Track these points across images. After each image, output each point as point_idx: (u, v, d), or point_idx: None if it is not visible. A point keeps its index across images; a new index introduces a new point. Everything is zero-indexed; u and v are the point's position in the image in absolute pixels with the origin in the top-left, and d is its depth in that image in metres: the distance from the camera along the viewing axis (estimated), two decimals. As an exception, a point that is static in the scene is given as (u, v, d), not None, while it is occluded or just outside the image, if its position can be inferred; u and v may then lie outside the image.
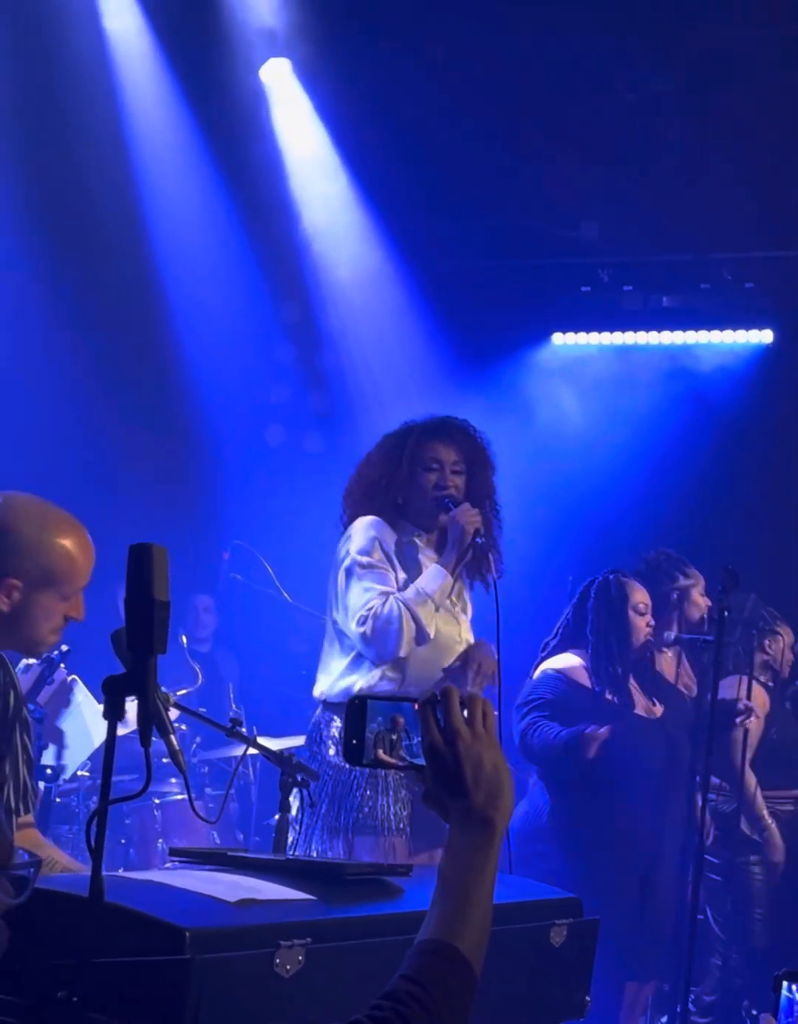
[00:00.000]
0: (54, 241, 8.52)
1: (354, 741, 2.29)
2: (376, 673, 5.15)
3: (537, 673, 6.22)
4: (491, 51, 8.18)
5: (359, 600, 5.08)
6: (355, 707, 2.31)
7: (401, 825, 5.07)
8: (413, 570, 5.22)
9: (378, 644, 5.05)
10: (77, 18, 8.20)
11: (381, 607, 5.03)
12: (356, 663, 5.19)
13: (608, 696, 6.13)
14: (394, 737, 2.29)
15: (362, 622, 5.04)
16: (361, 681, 5.15)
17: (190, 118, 8.82)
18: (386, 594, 5.07)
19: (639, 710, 6.24)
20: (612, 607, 6.24)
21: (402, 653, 5.09)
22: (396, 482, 5.22)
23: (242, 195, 9.17)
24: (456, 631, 5.31)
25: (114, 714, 2.32)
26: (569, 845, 6.00)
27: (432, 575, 5.14)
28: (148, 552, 2.33)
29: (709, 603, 6.71)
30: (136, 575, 2.32)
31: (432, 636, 5.13)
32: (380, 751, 2.29)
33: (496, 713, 2.32)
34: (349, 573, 5.13)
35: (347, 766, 4.47)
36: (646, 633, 6.28)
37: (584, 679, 6.16)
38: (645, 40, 8.08)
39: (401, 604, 5.04)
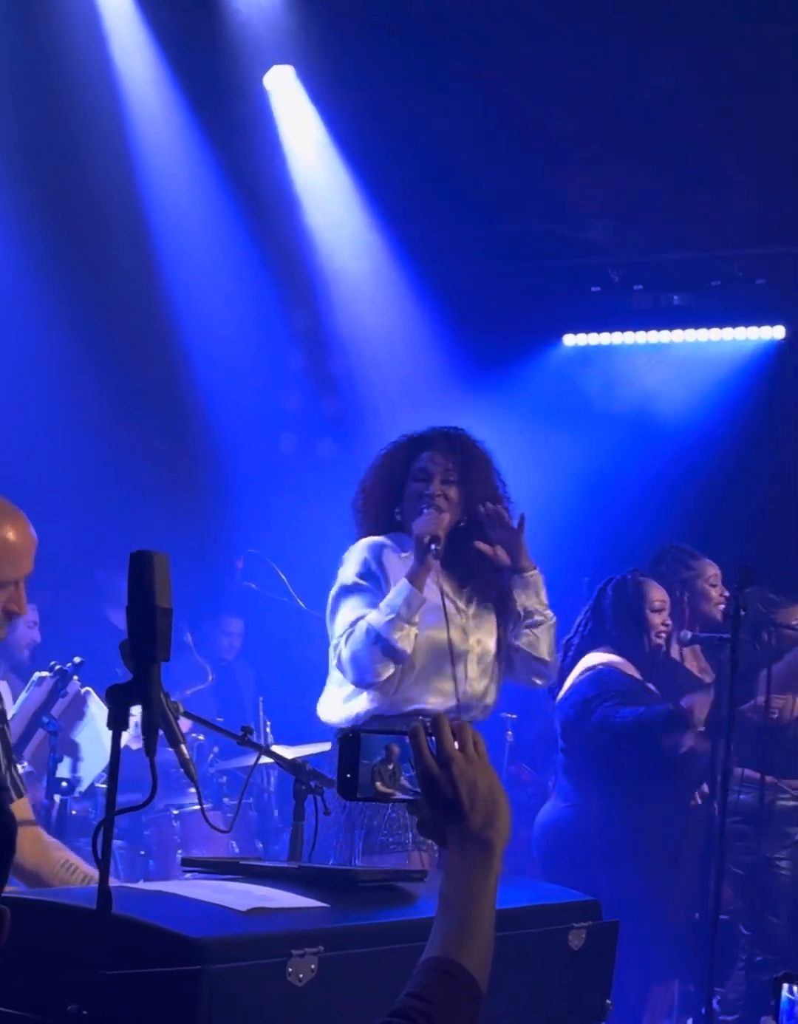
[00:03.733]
0: (59, 253, 8.48)
1: (348, 775, 2.32)
2: (370, 695, 5.01)
3: (583, 669, 6.19)
4: (497, 52, 8.13)
5: (334, 629, 5.01)
6: (348, 741, 2.34)
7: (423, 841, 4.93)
8: None
9: (354, 672, 4.92)
10: (79, 29, 8.17)
11: (348, 637, 4.92)
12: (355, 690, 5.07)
13: (651, 687, 6.16)
14: (391, 768, 2.33)
15: (335, 650, 4.96)
16: (365, 704, 5.02)
17: (195, 126, 8.77)
18: (355, 621, 4.94)
19: None
20: (629, 606, 6.26)
21: (381, 677, 4.93)
22: (391, 496, 5.16)
23: (249, 203, 9.14)
24: (461, 639, 5.10)
25: (118, 723, 2.31)
26: (599, 845, 5.99)
27: (397, 590, 4.94)
28: (149, 559, 2.32)
29: (723, 592, 6.71)
30: (137, 583, 2.31)
31: (409, 653, 4.94)
32: (379, 783, 2.32)
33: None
34: (334, 599, 5.06)
35: None
36: (662, 630, 6.28)
37: (633, 672, 6.18)
38: (654, 38, 8.03)
39: (366, 628, 4.90)
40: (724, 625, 5.98)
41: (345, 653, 4.92)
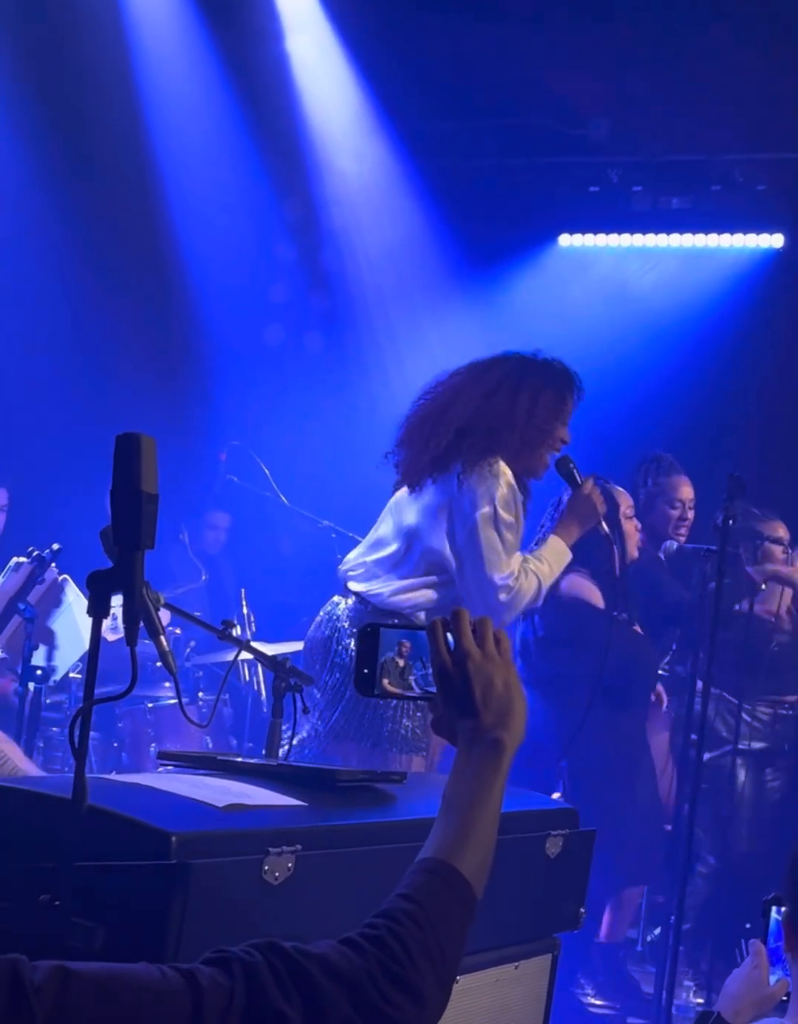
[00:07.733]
0: (54, 137, 8.43)
1: (365, 671, 2.26)
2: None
3: (556, 595, 6.12)
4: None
5: (505, 565, 5.00)
6: (368, 635, 2.28)
7: (422, 744, 4.97)
8: None
9: (510, 610, 5.07)
10: None
11: (524, 582, 5.03)
12: (431, 584, 5.12)
13: (616, 614, 6.10)
14: (403, 664, 2.27)
15: (508, 591, 4.99)
16: (431, 593, 5.09)
17: (195, 13, 8.65)
18: (526, 567, 5.05)
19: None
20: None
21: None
22: (532, 429, 5.13)
23: (246, 90, 9.02)
24: None
25: (99, 611, 2.23)
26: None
27: (559, 555, 5.23)
28: (136, 442, 2.22)
29: (683, 514, 6.65)
30: (123, 467, 2.21)
31: None
32: (387, 681, 2.27)
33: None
34: (496, 525, 4.99)
35: None
36: (636, 538, 6.20)
37: (597, 599, 6.10)
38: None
39: (539, 583, 5.07)
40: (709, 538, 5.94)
41: (512, 597, 5.00)
